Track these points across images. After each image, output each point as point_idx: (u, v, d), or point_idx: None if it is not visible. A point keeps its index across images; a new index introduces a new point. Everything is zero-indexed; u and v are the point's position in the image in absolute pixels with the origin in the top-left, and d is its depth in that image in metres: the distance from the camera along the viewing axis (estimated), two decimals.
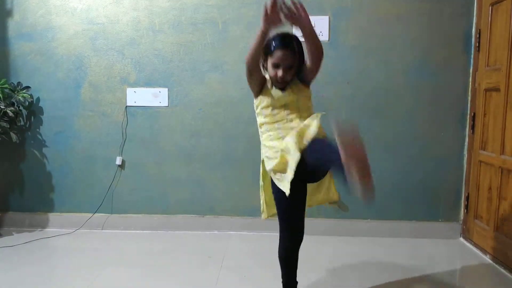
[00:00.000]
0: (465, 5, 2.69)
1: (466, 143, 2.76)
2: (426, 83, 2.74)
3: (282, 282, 1.83)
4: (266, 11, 1.50)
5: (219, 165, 2.86)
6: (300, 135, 1.57)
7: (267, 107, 1.71)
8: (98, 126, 2.88)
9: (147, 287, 2.09)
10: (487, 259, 2.46)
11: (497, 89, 2.41)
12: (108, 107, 2.86)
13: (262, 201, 1.87)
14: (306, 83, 1.74)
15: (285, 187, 1.56)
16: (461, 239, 2.79)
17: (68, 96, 2.86)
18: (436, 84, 2.74)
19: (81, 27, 2.82)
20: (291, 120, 1.68)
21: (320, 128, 1.58)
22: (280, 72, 1.63)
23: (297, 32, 1.65)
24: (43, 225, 2.92)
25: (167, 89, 2.83)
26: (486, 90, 2.54)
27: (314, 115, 1.63)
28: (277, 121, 1.70)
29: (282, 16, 1.52)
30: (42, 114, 2.89)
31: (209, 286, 2.08)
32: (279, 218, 1.76)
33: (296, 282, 1.84)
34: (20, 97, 2.73)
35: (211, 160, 2.86)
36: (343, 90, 2.76)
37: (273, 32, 1.61)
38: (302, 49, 1.67)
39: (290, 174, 1.53)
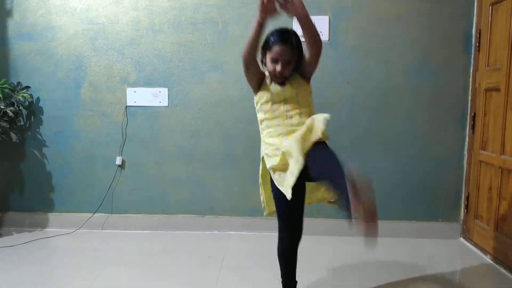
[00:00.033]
0: (465, 5, 2.69)
1: (466, 143, 2.76)
2: (426, 83, 2.74)
3: (282, 282, 1.83)
4: (262, 0, 1.51)
5: (219, 165, 2.86)
6: (304, 138, 1.55)
7: (266, 102, 1.71)
8: (98, 126, 2.87)
9: (147, 287, 2.09)
10: (487, 259, 2.46)
11: (497, 89, 2.41)
12: (108, 107, 2.86)
13: (262, 198, 1.87)
14: (306, 77, 1.74)
15: (287, 192, 1.55)
16: (461, 239, 2.79)
17: (68, 96, 2.86)
18: (436, 84, 2.74)
19: (81, 27, 2.82)
20: (291, 117, 1.68)
21: (324, 133, 1.56)
22: (278, 67, 1.64)
23: (296, 28, 1.65)
24: (43, 225, 2.92)
25: (167, 89, 2.83)
26: (486, 90, 2.54)
27: (320, 116, 1.59)
28: (277, 117, 1.69)
29: (277, 5, 1.52)
30: (42, 114, 2.89)
31: (209, 286, 2.08)
32: (278, 218, 1.76)
33: (296, 282, 1.84)
34: (20, 97, 2.73)
35: (211, 160, 2.86)
36: (343, 90, 2.76)
37: (270, 27, 1.61)
38: (301, 45, 1.67)
39: (291, 180, 1.52)
